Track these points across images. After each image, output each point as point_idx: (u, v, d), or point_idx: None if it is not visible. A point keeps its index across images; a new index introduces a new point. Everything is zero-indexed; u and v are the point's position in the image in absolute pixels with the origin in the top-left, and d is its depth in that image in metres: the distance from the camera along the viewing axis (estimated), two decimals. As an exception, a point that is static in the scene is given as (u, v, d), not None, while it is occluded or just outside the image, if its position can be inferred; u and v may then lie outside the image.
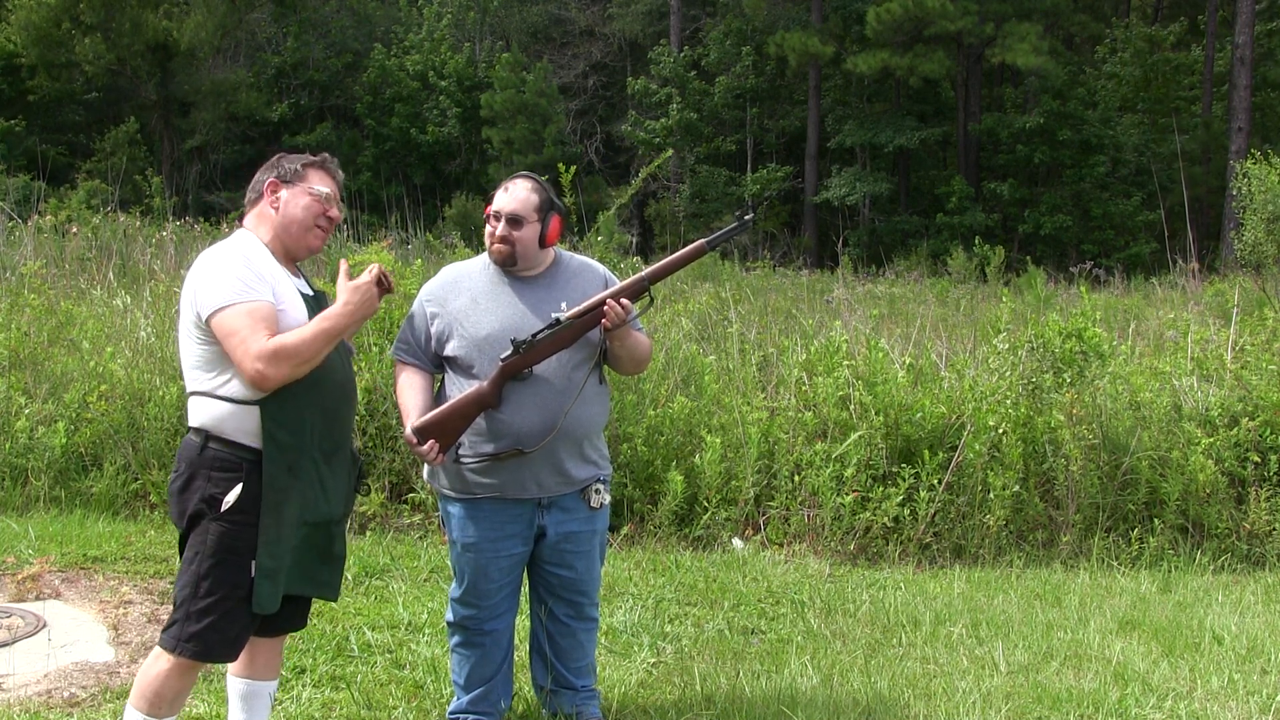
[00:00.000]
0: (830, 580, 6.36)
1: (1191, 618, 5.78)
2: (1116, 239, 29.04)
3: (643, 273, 3.92)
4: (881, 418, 7.17)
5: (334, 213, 3.52)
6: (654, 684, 4.67)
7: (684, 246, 3.98)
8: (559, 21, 39.88)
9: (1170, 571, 6.79)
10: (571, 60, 38.67)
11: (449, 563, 4.15)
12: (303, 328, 3.28)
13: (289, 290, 3.40)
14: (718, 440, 7.04)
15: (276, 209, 3.45)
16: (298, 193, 3.46)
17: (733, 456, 7.19)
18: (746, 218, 4.10)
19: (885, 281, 18.93)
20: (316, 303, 3.51)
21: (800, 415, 7.33)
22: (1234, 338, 8.55)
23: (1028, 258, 22.90)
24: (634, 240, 28.47)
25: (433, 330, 3.94)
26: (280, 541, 3.33)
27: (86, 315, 9.08)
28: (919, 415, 7.23)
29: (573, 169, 8.26)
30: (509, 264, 3.91)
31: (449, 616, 4.09)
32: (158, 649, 3.39)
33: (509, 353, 3.76)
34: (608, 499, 4.07)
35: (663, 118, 33.37)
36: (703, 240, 3.97)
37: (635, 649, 5.05)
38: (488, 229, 3.91)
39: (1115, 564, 6.88)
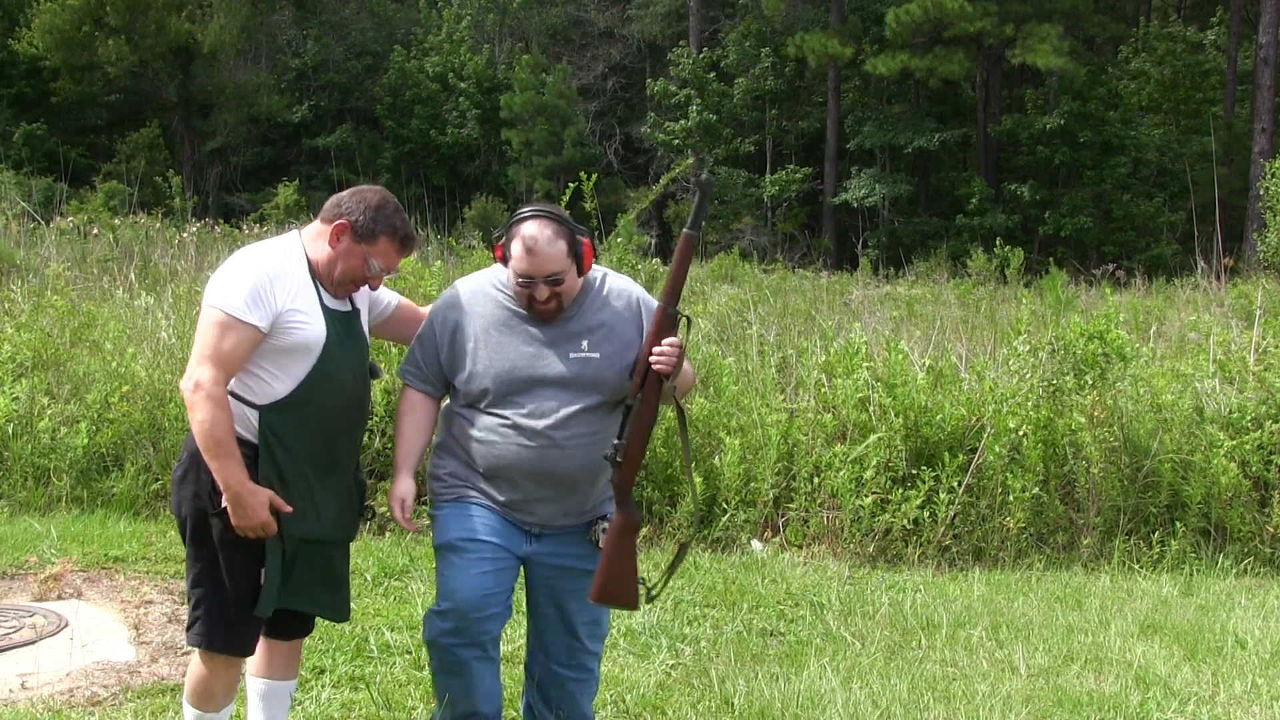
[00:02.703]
0: (849, 582, 6.34)
1: (1214, 621, 5.74)
2: (1138, 240, 28.89)
3: (660, 302, 3.50)
4: (901, 420, 7.14)
5: (375, 284, 3.51)
6: (672, 685, 4.67)
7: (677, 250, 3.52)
8: (578, 23, 39.93)
9: (1192, 575, 6.75)
10: (591, 62, 38.72)
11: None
12: (228, 427, 3.20)
13: (311, 305, 3.36)
14: (737, 442, 7.03)
15: (333, 248, 3.40)
16: (356, 252, 3.40)
17: (752, 458, 7.18)
18: (705, 177, 3.75)
19: (905, 283, 18.87)
20: (345, 321, 3.48)
21: (819, 417, 7.31)
22: (1257, 340, 8.49)
23: (1050, 259, 22.80)
24: (653, 242, 28.44)
25: (442, 356, 3.61)
26: (275, 546, 3.34)
27: (108, 316, 9.13)
28: (939, 417, 7.20)
29: (594, 176, 8.22)
30: (558, 315, 3.56)
31: (425, 633, 3.64)
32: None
33: (611, 474, 3.52)
34: None
35: (682, 119, 33.38)
36: (685, 230, 3.48)
37: (654, 650, 5.05)
38: (518, 286, 3.50)
39: (1136, 567, 6.84)
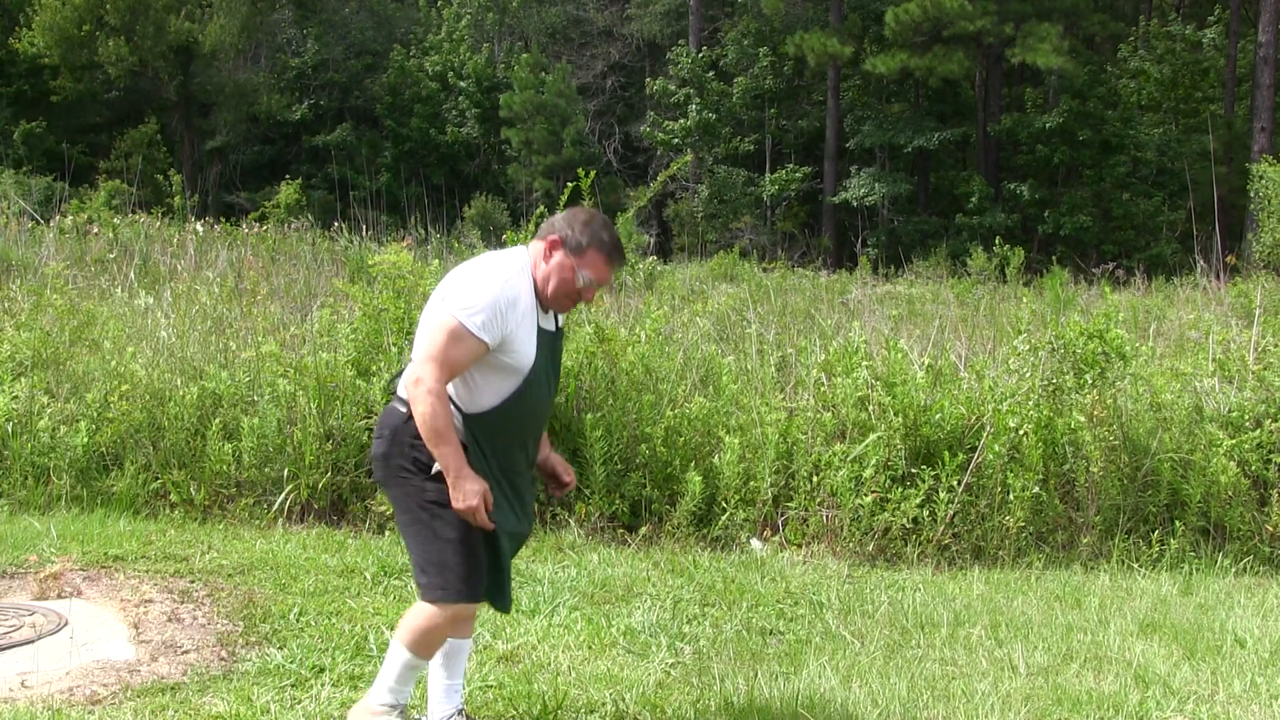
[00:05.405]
0: (849, 581, 6.34)
1: (1213, 620, 5.74)
2: (1137, 239, 28.94)
3: None
4: (900, 419, 7.14)
5: (588, 296, 3.74)
6: (671, 684, 4.66)
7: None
8: (578, 22, 39.97)
9: (1191, 574, 6.75)
10: (590, 61, 38.76)
11: None
12: (447, 419, 3.52)
13: (530, 331, 3.64)
14: (736, 441, 7.03)
15: (546, 263, 3.68)
16: (567, 266, 3.67)
17: (751, 457, 7.18)
18: None
19: (904, 282, 18.88)
20: (551, 343, 3.76)
21: (819, 416, 7.31)
22: (1256, 339, 8.48)
23: (1050, 258, 22.83)
24: (652, 241, 28.51)
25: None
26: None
27: (108, 315, 9.12)
28: (938, 416, 7.20)
29: (592, 173, 8.26)
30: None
31: None
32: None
33: None
34: None
35: (681, 118, 33.40)
36: None
37: (653, 649, 5.05)
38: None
39: (1136, 566, 6.84)
